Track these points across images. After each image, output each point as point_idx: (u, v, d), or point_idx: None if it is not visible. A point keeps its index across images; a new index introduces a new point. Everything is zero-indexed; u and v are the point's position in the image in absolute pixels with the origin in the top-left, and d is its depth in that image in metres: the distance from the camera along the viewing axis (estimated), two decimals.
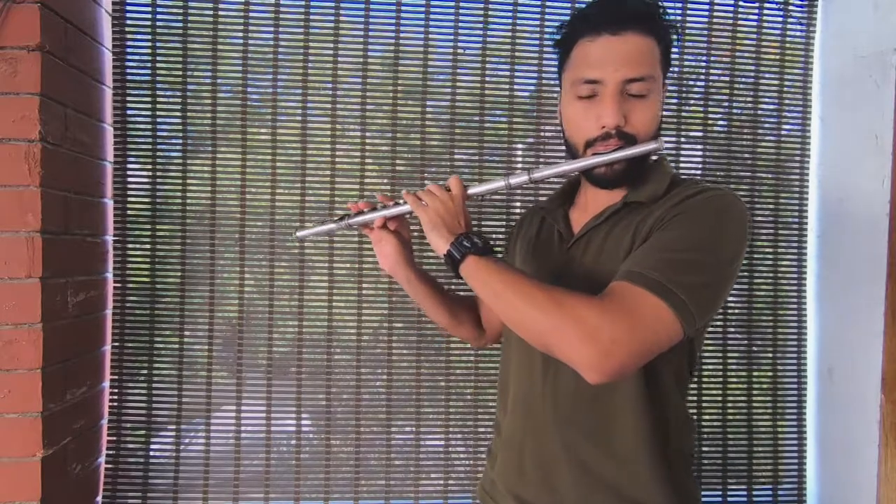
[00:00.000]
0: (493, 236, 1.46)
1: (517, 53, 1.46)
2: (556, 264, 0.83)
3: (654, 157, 0.82)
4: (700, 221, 0.69)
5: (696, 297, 0.64)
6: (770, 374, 1.54)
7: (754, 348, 1.54)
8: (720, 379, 1.53)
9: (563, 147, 0.85)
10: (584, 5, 0.78)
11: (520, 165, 1.50)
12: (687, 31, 1.50)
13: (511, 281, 0.69)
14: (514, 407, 0.85)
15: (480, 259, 0.73)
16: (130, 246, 1.40)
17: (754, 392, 1.54)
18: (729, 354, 1.53)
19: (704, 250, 0.67)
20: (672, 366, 0.76)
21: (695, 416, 1.52)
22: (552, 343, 0.65)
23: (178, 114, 1.40)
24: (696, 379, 1.52)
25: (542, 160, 1.49)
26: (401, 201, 0.86)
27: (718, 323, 1.53)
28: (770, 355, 1.54)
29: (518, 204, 1.50)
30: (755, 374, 1.54)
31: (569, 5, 1.46)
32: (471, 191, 0.83)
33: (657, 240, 0.69)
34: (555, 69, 0.86)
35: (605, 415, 0.75)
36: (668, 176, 0.78)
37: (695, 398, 1.52)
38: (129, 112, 1.39)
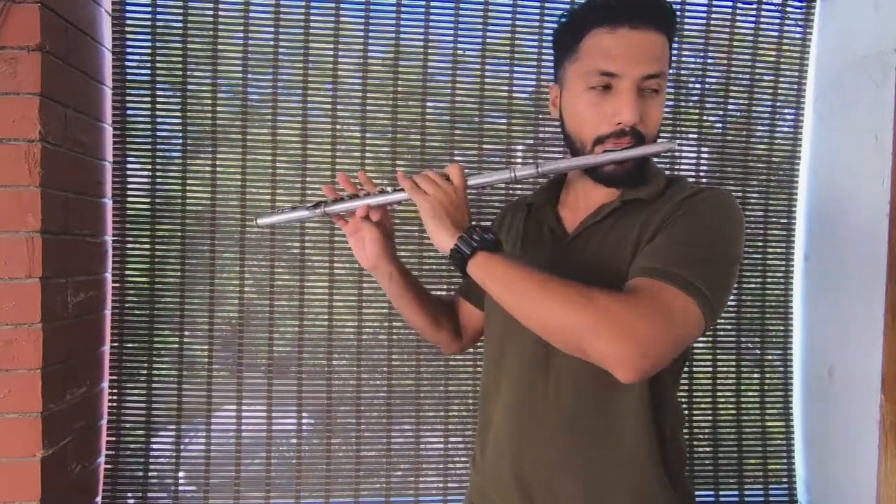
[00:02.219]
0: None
1: (517, 53, 1.47)
2: (552, 263, 0.79)
3: None
4: (709, 220, 0.69)
5: (717, 294, 0.64)
6: (759, 374, 1.55)
7: (743, 350, 1.55)
8: (709, 381, 1.54)
9: (563, 147, 0.84)
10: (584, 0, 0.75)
11: (520, 165, 1.49)
12: (685, 32, 1.50)
13: (533, 277, 0.65)
14: (509, 415, 0.81)
15: (493, 255, 0.69)
16: (130, 246, 1.40)
17: (743, 393, 1.55)
18: (719, 356, 1.54)
19: (717, 248, 0.68)
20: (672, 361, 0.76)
21: (685, 416, 1.52)
22: (584, 341, 0.61)
23: (178, 114, 1.40)
24: (686, 380, 1.53)
25: (541, 161, 1.48)
26: (388, 189, 0.79)
27: None
28: (758, 356, 1.55)
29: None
30: (744, 375, 1.55)
31: (568, 6, 1.46)
32: (472, 181, 0.77)
33: (671, 236, 0.68)
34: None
35: (610, 415, 0.73)
36: (662, 174, 0.79)
37: (686, 400, 1.53)
38: (128, 112, 1.39)
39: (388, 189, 0.79)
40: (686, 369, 1.52)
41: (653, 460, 0.73)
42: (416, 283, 0.94)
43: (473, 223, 0.75)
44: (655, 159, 0.84)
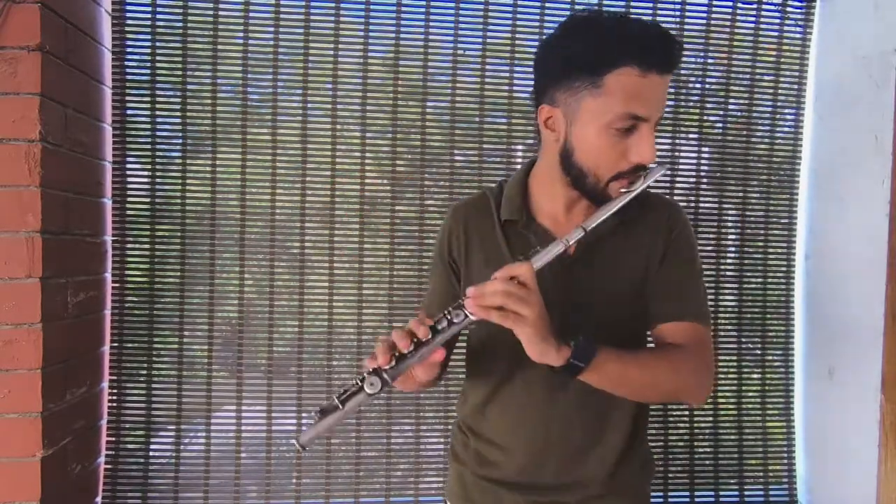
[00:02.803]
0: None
1: (517, 54, 1.47)
2: (554, 279, 0.76)
3: None
4: (693, 247, 0.85)
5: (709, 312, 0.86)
6: (759, 374, 1.56)
7: (744, 350, 1.55)
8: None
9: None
10: (586, 8, 0.74)
11: (519, 166, 1.50)
12: (685, 33, 1.50)
13: (635, 364, 0.74)
14: (508, 430, 0.85)
15: (598, 359, 0.68)
16: (130, 246, 1.40)
17: (744, 393, 1.55)
18: (720, 357, 1.54)
19: (701, 272, 0.86)
20: None
21: (686, 417, 1.54)
22: (683, 397, 0.80)
23: (177, 114, 1.40)
24: None
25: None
26: (455, 318, 0.66)
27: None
28: (759, 356, 1.55)
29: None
30: (745, 375, 1.55)
31: (568, 6, 1.46)
32: (537, 265, 0.67)
33: (686, 272, 0.83)
34: None
35: (607, 430, 0.83)
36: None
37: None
38: (128, 112, 1.39)
39: (456, 318, 0.65)
40: None
41: (633, 437, 0.85)
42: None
43: (559, 330, 0.68)
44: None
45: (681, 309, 0.80)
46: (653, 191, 0.87)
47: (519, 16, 1.46)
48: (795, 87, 1.53)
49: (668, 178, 1.51)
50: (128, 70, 1.38)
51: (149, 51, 1.39)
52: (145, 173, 1.40)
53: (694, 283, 0.83)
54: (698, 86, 1.52)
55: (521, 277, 0.64)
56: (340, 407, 0.65)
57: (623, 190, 0.74)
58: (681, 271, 0.82)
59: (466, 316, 0.65)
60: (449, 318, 0.66)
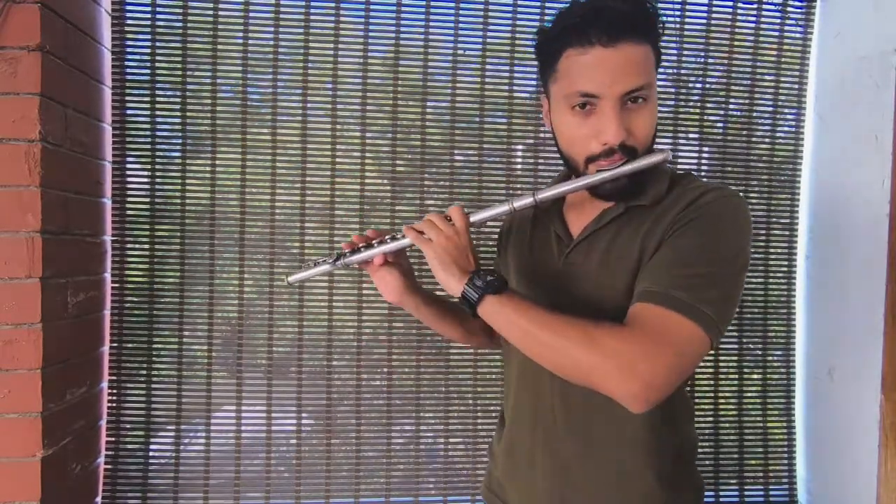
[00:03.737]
0: (494, 236, 1.46)
1: (517, 54, 1.46)
2: (556, 269, 0.80)
3: None
4: (712, 229, 0.68)
5: (721, 312, 0.65)
6: (760, 375, 1.55)
7: (745, 350, 1.55)
8: (711, 381, 1.54)
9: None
10: (566, 5, 0.73)
11: (519, 166, 1.50)
12: (686, 33, 1.50)
13: (538, 319, 0.67)
14: (519, 416, 0.84)
15: (499, 298, 0.69)
16: (129, 246, 1.40)
17: (745, 393, 1.55)
18: (721, 357, 1.54)
19: (721, 261, 0.67)
20: None
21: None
22: (591, 381, 0.64)
23: (177, 114, 1.40)
24: (688, 382, 1.53)
25: (541, 161, 1.49)
26: (399, 235, 0.80)
27: None
28: (760, 356, 1.55)
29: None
30: (746, 375, 1.55)
31: (568, 6, 1.46)
32: (473, 218, 0.77)
33: (672, 251, 0.68)
34: None
35: (618, 418, 0.74)
36: (666, 175, 0.76)
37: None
38: (128, 112, 1.39)
39: (399, 236, 0.80)
40: None
41: (658, 455, 0.75)
42: (441, 304, 0.94)
43: (478, 267, 0.75)
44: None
45: (648, 289, 0.66)
46: (703, 179, 0.84)
47: (519, 16, 1.46)
48: (796, 86, 1.53)
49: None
50: (128, 70, 1.38)
51: (149, 51, 1.39)
52: (145, 173, 1.40)
53: (679, 267, 0.66)
54: (699, 85, 1.52)
55: (451, 215, 0.76)
56: (313, 266, 0.90)
57: (598, 170, 0.72)
58: (669, 252, 0.68)
59: (404, 236, 0.79)
60: (394, 236, 0.81)
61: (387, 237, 0.82)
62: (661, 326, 0.63)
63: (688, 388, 1.51)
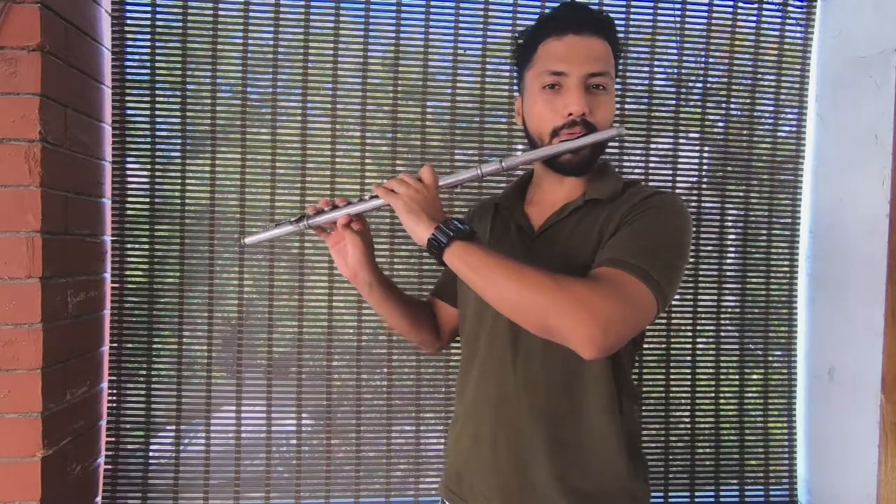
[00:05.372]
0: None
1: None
2: (520, 257, 0.82)
3: (601, 161, 0.89)
4: (663, 217, 0.79)
5: (669, 285, 0.73)
6: (761, 375, 1.55)
7: (746, 350, 1.55)
8: (712, 381, 1.54)
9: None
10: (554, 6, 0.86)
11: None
12: (686, 33, 1.50)
13: (505, 264, 0.71)
14: (480, 403, 0.87)
15: (468, 243, 0.74)
16: (129, 246, 1.40)
17: (745, 394, 1.54)
18: (722, 357, 1.54)
19: (670, 240, 0.77)
20: (628, 343, 0.81)
21: (687, 417, 1.53)
22: (552, 321, 0.68)
23: (177, 114, 1.40)
24: (688, 380, 1.53)
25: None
26: (366, 196, 0.85)
27: (711, 325, 1.53)
28: (761, 357, 1.55)
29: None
30: (747, 376, 1.55)
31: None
32: (443, 181, 0.83)
33: (630, 232, 0.77)
34: None
35: (577, 397, 0.81)
36: (620, 177, 0.88)
37: (688, 400, 1.53)
38: (128, 112, 1.39)
39: (366, 197, 0.84)
40: (688, 370, 1.52)
41: (616, 438, 0.81)
42: (395, 290, 0.98)
43: (449, 217, 0.80)
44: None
45: (607, 256, 0.74)
46: (651, 185, 0.91)
47: (519, 16, 1.46)
48: (797, 86, 1.53)
49: (669, 178, 1.51)
50: (127, 70, 1.38)
51: (148, 51, 1.39)
52: (145, 173, 1.40)
53: (637, 241, 0.75)
54: (700, 85, 1.52)
55: (421, 175, 0.81)
56: (274, 228, 0.89)
57: (561, 141, 0.81)
58: (628, 231, 0.77)
59: (374, 196, 0.82)
60: (363, 196, 0.85)
61: (354, 200, 0.86)
62: (619, 284, 0.70)
63: (688, 385, 1.52)
